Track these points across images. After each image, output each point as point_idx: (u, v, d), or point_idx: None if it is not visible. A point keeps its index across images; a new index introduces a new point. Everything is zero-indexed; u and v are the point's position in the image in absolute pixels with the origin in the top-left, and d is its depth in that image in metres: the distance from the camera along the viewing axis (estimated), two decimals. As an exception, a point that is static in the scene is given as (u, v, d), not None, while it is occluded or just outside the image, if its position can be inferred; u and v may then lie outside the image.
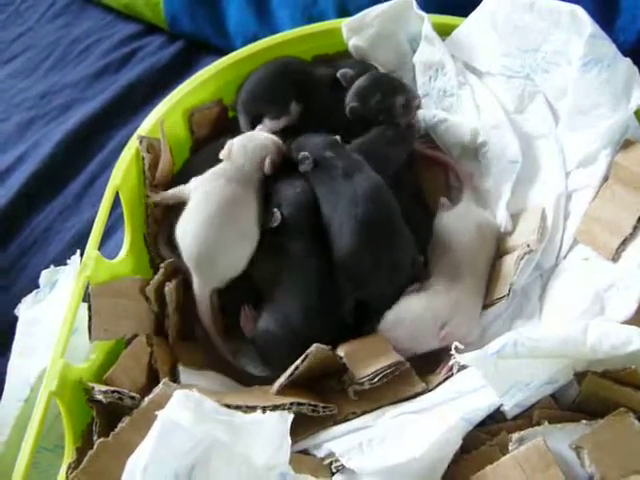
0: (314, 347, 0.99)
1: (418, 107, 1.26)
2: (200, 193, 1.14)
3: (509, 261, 1.10)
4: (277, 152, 1.19)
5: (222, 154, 1.18)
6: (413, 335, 1.06)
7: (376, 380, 0.98)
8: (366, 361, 1.01)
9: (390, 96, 1.24)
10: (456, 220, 1.16)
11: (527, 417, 0.92)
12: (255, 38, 1.61)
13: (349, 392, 1.00)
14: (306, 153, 1.16)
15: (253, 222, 1.14)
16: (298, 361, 1.00)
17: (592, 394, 0.92)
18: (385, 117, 1.24)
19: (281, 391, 1.00)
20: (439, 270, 1.12)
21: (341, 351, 1.02)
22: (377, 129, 1.24)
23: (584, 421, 0.89)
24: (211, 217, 1.11)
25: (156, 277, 1.11)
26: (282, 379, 1.00)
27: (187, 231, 1.12)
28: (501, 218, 1.17)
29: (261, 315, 1.12)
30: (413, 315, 1.07)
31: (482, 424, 0.92)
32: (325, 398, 1.01)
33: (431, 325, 1.06)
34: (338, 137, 1.18)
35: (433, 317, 1.07)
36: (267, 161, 1.17)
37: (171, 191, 1.18)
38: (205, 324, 1.13)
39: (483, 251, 1.13)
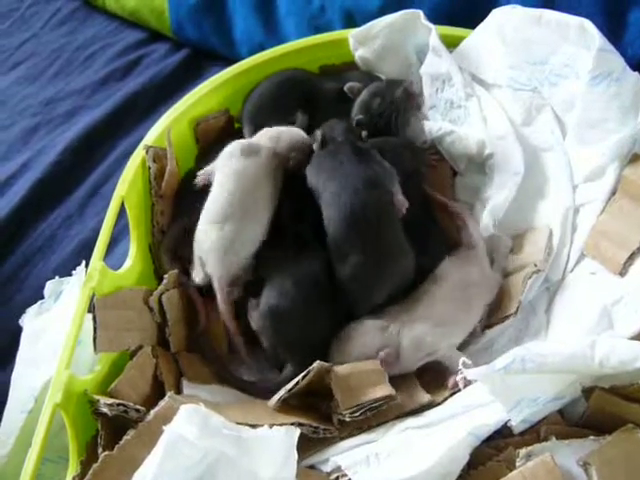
0: (316, 364, 0.99)
1: (417, 92, 1.29)
2: (224, 171, 1.16)
3: (517, 280, 1.10)
4: (304, 153, 1.20)
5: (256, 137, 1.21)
6: (358, 352, 1.07)
7: (358, 414, 0.97)
8: (355, 390, 0.99)
9: (388, 93, 1.26)
10: (448, 272, 1.14)
11: (534, 433, 0.91)
12: (261, 47, 1.63)
13: (333, 419, 0.99)
14: (320, 131, 1.19)
15: (266, 207, 1.16)
16: (299, 377, 0.99)
17: (600, 410, 0.92)
18: (391, 111, 1.26)
19: (280, 406, 1.00)
20: (406, 301, 1.12)
21: (333, 374, 1.00)
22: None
23: (592, 437, 0.88)
24: (231, 194, 1.14)
25: (160, 287, 1.11)
26: (282, 392, 1.00)
27: (209, 209, 1.15)
28: (485, 221, 1.18)
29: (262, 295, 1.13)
30: (359, 333, 1.09)
31: (489, 439, 0.91)
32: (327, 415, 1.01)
33: (368, 349, 1.07)
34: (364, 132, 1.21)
35: (371, 341, 1.07)
36: (293, 155, 1.18)
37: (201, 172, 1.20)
38: (225, 319, 1.13)
39: (459, 304, 1.11)
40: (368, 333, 1.08)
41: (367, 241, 1.09)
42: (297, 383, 0.99)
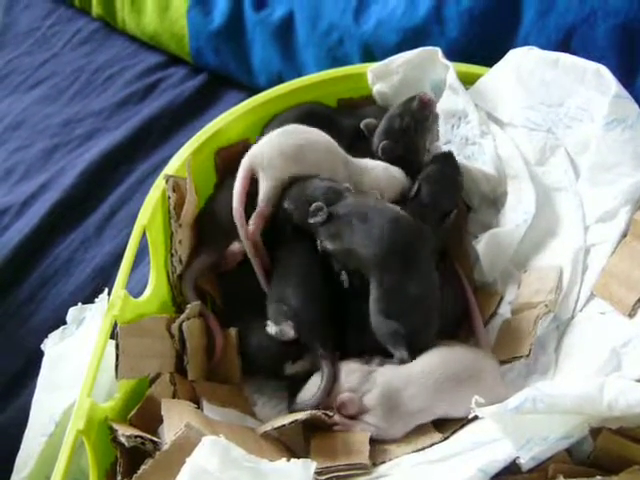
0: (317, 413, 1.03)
1: (432, 100, 1.29)
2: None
3: (527, 320, 1.11)
4: (395, 193, 1.24)
5: None
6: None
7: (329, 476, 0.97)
8: (330, 454, 1.01)
9: (405, 110, 1.28)
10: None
11: (542, 470, 0.92)
12: (279, 76, 1.66)
13: None
14: (320, 203, 1.16)
15: None
16: (300, 415, 1.03)
17: (606, 450, 0.93)
18: (411, 124, 1.27)
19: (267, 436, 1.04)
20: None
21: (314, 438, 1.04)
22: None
23: (599, 477, 0.89)
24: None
25: (182, 316, 1.13)
26: (275, 425, 1.03)
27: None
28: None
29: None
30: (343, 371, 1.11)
31: (497, 475, 0.91)
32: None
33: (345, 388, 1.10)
34: (347, 185, 1.19)
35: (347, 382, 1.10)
36: (374, 194, 1.20)
37: None
38: (251, 236, 1.19)
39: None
40: (353, 373, 1.11)
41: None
42: (295, 421, 1.03)
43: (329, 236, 1.15)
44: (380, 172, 1.24)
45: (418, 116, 1.27)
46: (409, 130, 1.27)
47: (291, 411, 1.12)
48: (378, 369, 1.11)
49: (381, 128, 1.30)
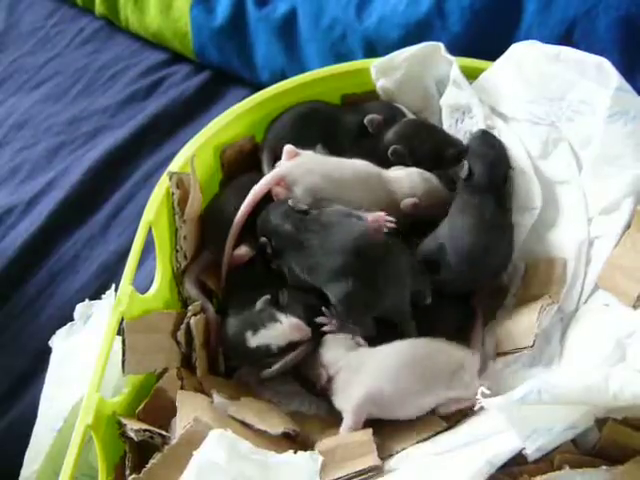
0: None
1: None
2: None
3: (531, 311, 1.11)
4: (427, 199, 1.23)
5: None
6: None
7: None
8: (341, 463, 0.98)
9: (439, 143, 1.28)
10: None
11: (548, 461, 0.93)
12: (282, 72, 1.67)
13: None
14: (264, 239, 1.17)
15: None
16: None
17: (612, 440, 0.93)
18: (432, 162, 1.27)
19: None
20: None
21: (322, 446, 1.02)
22: None
23: (604, 467, 0.90)
24: None
25: (185, 320, 1.14)
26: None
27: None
28: None
29: None
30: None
31: (503, 466, 0.92)
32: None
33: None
34: (303, 206, 1.18)
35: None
36: (412, 201, 1.21)
37: None
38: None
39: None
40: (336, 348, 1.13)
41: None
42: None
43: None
44: (416, 178, 1.24)
45: (447, 162, 1.27)
46: (430, 162, 1.28)
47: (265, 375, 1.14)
48: (360, 349, 1.12)
49: (403, 132, 1.29)
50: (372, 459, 0.98)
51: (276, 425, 1.03)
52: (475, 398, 0.94)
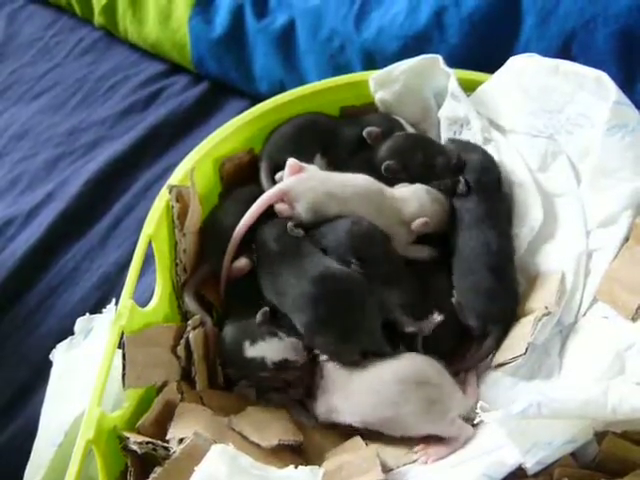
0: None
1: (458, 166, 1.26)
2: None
3: (527, 323, 1.12)
4: (436, 216, 1.23)
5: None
6: None
7: None
8: (346, 479, 0.99)
9: (431, 156, 1.27)
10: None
11: (548, 475, 0.93)
12: (281, 83, 1.67)
13: None
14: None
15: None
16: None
17: (611, 454, 0.94)
18: (426, 176, 1.26)
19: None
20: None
21: (329, 464, 1.02)
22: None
23: (603, 480, 0.90)
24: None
25: (184, 335, 1.14)
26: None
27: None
28: None
29: None
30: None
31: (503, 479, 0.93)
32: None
33: None
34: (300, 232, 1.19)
35: None
36: (423, 221, 1.21)
37: None
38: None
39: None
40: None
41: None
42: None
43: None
44: (424, 196, 1.24)
45: (437, 171, 1.27)
46: (421, 174, 1.28)
47: None
48: None
49: (395, 147, 1.29)
50: (376, 474, 0.99)
51: (271, 437, 1.04)
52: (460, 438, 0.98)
